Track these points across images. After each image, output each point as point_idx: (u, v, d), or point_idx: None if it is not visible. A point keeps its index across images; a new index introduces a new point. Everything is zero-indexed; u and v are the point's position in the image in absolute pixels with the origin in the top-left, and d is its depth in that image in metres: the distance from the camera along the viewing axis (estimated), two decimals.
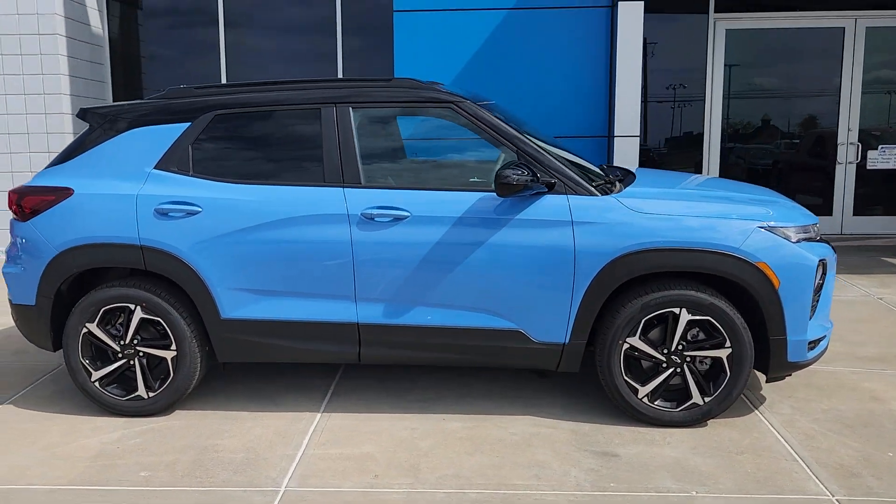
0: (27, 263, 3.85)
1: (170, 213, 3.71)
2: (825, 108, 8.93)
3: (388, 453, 3.43)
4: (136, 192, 3.76)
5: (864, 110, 8.79)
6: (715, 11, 8.76)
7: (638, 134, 6.52)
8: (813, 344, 3.63)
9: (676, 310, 3.52)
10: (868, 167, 8.79)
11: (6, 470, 3.34)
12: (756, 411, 3.84)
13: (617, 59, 6.43)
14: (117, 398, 3.86)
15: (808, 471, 3.21)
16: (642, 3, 6.35)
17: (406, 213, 3.61)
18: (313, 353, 3.82)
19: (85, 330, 3.82)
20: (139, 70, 10.11)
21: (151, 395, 3.84)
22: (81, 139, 3.96)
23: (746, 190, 4.20)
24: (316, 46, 9.27)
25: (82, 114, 3.98)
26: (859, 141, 8.75)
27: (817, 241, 3.72)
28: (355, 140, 3.71)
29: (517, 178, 3.38)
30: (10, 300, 3.96)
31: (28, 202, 3.85)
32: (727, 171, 9.11)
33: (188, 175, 3.79)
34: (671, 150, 9.24)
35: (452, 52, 6.77)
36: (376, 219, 3.62)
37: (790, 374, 3.82)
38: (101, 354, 3.88)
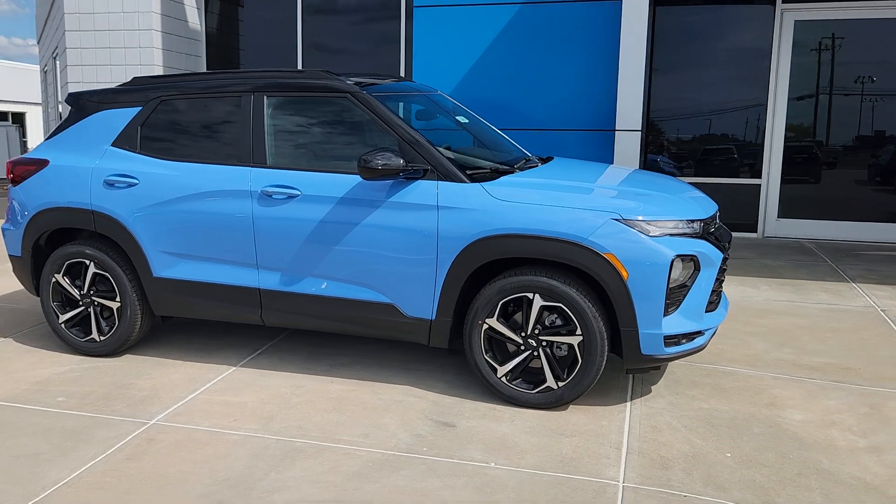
0: (16, 222, 4.65)
1: (115, 184, 4.35)
2: None
3: (260, 404, 3.86)
4: (92, 165, 4.43)
5: None
6: (783, 1, 8.33)
7: (640, 128, 6.44)
8: (673, 339, 3.62)
9: (530, 295, 3.66)
10: None
11: None
12: (627, 402, 3.87)
13: (620, 52, 6.39)
14: (77, 339, 4.57)
15: (622, 459, 3.26)
16: None
17: (298, 192, 4.00)
18: (225, 314, 4.32)
19: (54, 280, 4.56)
20: (236, 63, 11.12)
21: (102, 338, 4.51)
22: (65, 120, 4.69)
23: (643, 184, 4.15)
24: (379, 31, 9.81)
25: (69, 98, 4.72)
26: None
27: (699, 236, 3.69)
28: (265, 125, 4.15)
29: (377, 163, 3.66)
30: (7, 252, 4.80)
31: (18, 171, 4.64)
32: (791, 173, 8.65)
33: (135, 152, 4.40)
34: (726, 152, 8.89)
35: (468, 46, 7.01)
36: (274, 196, 4.05)
37: (655, 367, 3.81)
38: (67, 301, 4.60)
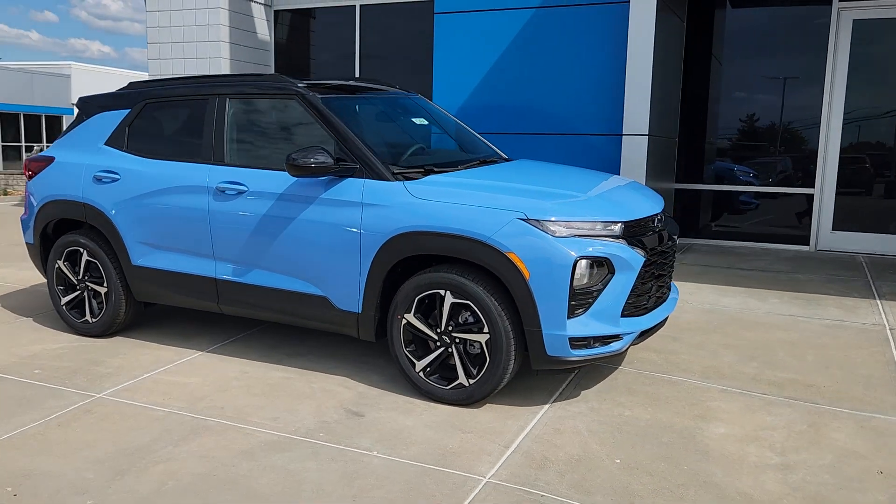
0: (30, 212, 5.19)
1: (102, 180, 4.78)
2: None
3: (201, 386, 4.13)
4: (86, 162, 4.88)
5: None
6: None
7: (646, 133, 6.26)
8: (582, 342, 3.58)
9: (442, 291, 3.72)
10: None
11: None
12: (547, 404, 3.85)
13: (627, 54, 6.26)
14: (75, 319, 5.04)
15: (503, 457, 3.27)
16: None
17: (245, 188, 4.26)
18: (190, 302, 4.64)
19: (57, 266, 5.05)
20: (305, 71, 11.65)
21: (93, 320, 4.96)
22: (72, 121, 5.20)
23: (574, 187, 4.10)
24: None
25: (78, 102, 5.22)
26: None
27: (616, 238, 3.63)
28: (225, 125, 4.44)
29: (301, 161, 3.85)
30: (24, 240, 5.36)
31: (32, 167, 5.18)
32: (847, 183, 8.12)
33: (122, 150, 4.82)
34: (777, 160, 8.45)
35: (485, 50, 7.08)
36: (226, 192, 4.33)
37: (566, 369, 3.77)
38: (68, 285, 5.09)
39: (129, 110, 4.85)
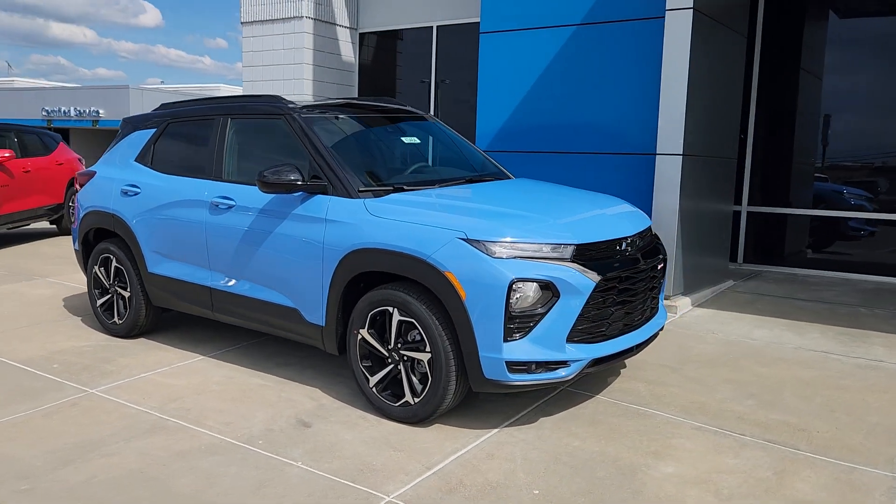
0: (77, 221, 5.71)
1: (127, 193, 5.18)
2: None
3: (183, 388, 4.37)
4: (117, 176, 5.31)
5: None
6: None
7: (680, 152, 5.94)
8: (522, 367, 3.48)
9: (391, 308, 3.74)
10: None
11: (10, 348, 5.15)
12: (496, 428, 3.75)
13: (662, 71, 6.00)
14: (106, 320, 5.48)
15: (418, 478, 3.23)
16: (690, 11, 5.82)
17: (234, 203, 4.48)
18: (193, 308, 4.92)
19: (94, 271, 5.52)
20: (390, 91, 12.01)
21: (119, 322, 5.37)
22: (114, 139, 5.67)
23: (534, 208, 4.01)
24: None
25: (122, 122, 5.70)
26: None
27: (565, 261, 3.51)
28: (225, 143, 4.70)
29: (272, 178, 4.00)
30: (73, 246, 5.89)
31: (80, 180, 5.70)
32: None
33: (147, 166, 5.21)
34: (872, 182, 7.77)
35: (527, 69, 7.02)
36: (219, 206, 4.57)
37: (508, 392, 3.64)
38: (102, 288, 5.54)
39: (155, 129, 5.24)
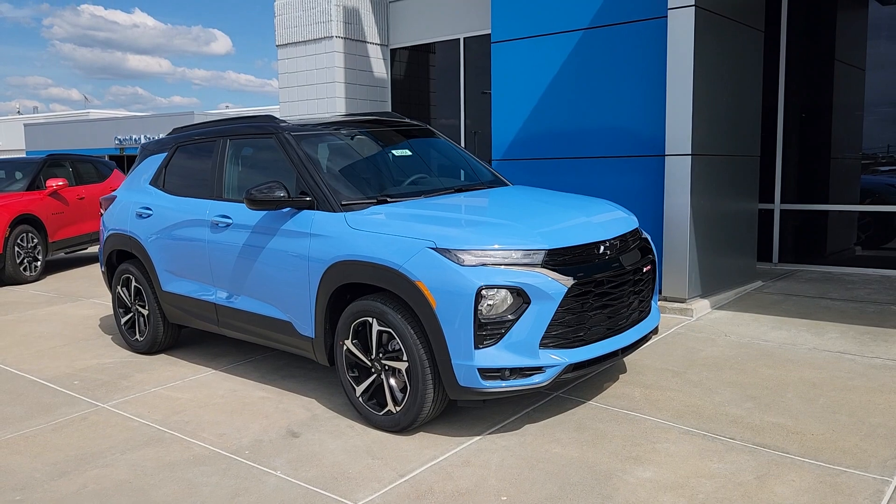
0: (101, 241, 5.99)
1: (142, 215, 5.42)
2: None
3: (188, 401, 4.53)
4: (133, 199, 5.56)
5: None
6: None
7: (689, 152, 5.83)
8: (495, 373, 3.48)
9: (370, 319, 3.80)
10: None
11: (40, 366, 5.44)
12: (479, 436, 3.76)
13: (667, 71, 5.90)
14: (129, 338, 5.73)
15: (389, 486, 3.27)
16: (692, 9, 5.71)
17: (230, 221, 4.64)
18: (202, 324, 5.10)
19: (117, 291, 5.79)
20: (423, 106, 12.14)
21: (140, 339, 5.61)
22: (133, 164, 5.94)
23: (513, 215, 4.01)
24: None
25: (140, 148, 5.96)
26: None
27: (535, 267, 3.51)
28: (225, 164, 4.87)
29: (258, 195, 4.13)
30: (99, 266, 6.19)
31: (104, 203, 5.99)
32: None
33: (159, 189, 5.44)
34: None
35: (538, 76, 7.01)
36: (219, 224, 4.73)
37: (485, 400, 3.64)
38: (125, 307, 5.80)
39: (166, 153, 5.47)
